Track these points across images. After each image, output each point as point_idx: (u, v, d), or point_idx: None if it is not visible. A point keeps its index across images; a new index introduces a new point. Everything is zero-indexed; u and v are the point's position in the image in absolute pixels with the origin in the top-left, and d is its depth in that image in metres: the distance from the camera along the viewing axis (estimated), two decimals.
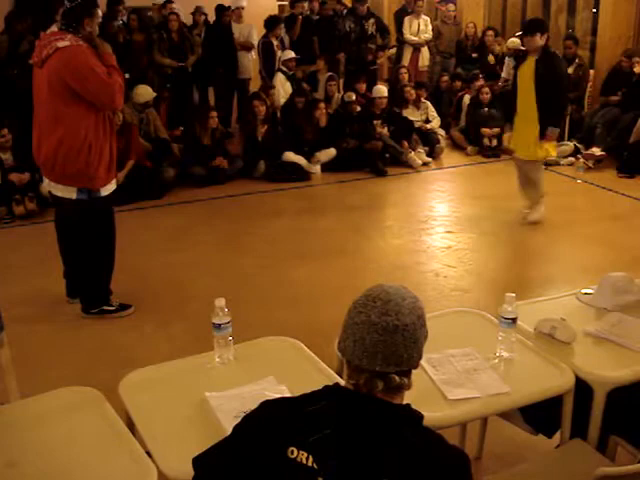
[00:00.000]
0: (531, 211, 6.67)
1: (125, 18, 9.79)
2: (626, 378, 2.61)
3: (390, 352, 1.64)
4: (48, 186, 4.59)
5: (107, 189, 4.53)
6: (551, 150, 6.46)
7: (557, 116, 6.45)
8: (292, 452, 1.59)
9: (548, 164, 8.63)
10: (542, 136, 6.24)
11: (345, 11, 10.78)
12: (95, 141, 4.34)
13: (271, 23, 9.87)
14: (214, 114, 8.17)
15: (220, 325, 2.57)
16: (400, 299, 1.67)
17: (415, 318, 1.67)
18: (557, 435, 2.78)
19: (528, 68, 6.25)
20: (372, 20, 10.39)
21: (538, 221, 6.60)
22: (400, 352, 1.65)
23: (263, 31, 10.00)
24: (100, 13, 4.60)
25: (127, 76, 8.74)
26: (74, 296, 4.90)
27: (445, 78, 10.60)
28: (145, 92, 8.13)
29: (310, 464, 1.57)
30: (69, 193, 4.42)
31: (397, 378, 1.65)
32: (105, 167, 4.44)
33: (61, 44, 4.22)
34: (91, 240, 4.60)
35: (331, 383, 1.75)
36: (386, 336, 1.63)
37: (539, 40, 6.12)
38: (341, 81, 10.18)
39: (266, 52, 9.93)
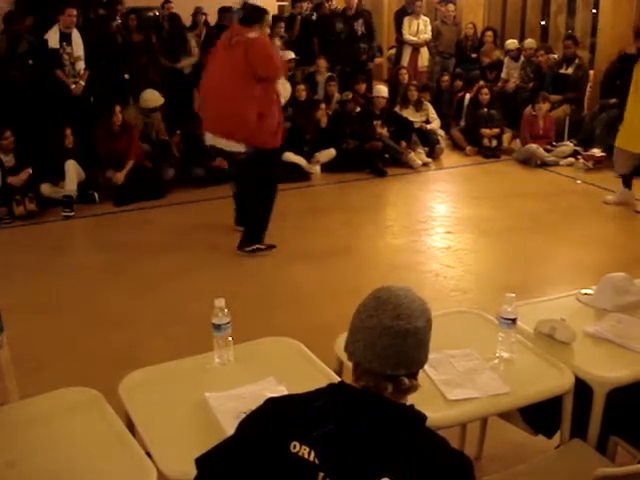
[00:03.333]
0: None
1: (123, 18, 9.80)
2: (626, 378, 2.61)
3: (401, 356, 1.64)
4: (226, 146, 5.64)
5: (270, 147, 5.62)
6: None
7: None
8: (294, 447, 1.59)
9: (547, 164, 8.65)
10: None
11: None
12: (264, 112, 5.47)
13: (272, 22, 9.86)
14: None
15: (220, 325, 2.57)
16: (410, 302, 1.67)
17: (425, 321, 1.68)
18: (557, 435, 2.78)
19: None
20: (361, 20, 10.34)
21: None
22: (411, 355, 1.65)
23: None
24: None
25: (127, 76, 8.79)
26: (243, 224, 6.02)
27: (445, 78, 10.60)
28: (153, 97, 8.12)
29: (312, 459, 1.57)
30: (242, 148, 5.54)
31: (407, 381, 1.65)
32: (270, 132, 5.55)
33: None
34: (259, 185, 5.72)
35: (331, 383, 1.75)
36: (399, 340, 1.63)
37: None
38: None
39: None
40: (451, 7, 11.77)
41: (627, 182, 7.09)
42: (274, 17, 10.29)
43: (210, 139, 5.78)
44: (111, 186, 7.36)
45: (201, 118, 5.89)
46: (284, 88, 9.46)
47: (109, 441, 2.20)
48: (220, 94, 5.45)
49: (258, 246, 5.85)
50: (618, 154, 7.07)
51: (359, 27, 10.24)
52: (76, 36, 7.76)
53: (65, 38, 7.67)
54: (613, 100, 8.68)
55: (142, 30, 9.65)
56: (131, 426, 2.29)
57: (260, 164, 5.60)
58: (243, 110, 5.38)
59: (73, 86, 7.74)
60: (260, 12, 5.66)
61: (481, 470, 3.00)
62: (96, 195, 7.27)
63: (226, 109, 5.42)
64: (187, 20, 10.39)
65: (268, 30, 5.72)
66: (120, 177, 7.35)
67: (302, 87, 8.81)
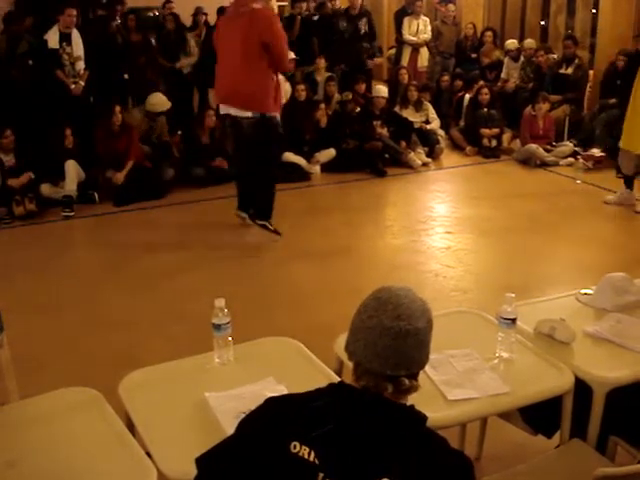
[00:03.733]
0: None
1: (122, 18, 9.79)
2: (625, 378, 2.61)
3: (402, 356, 1.64)
4: (234, 112, 5.85)
5: (273, 113, 5.94)
6: None
7: None
8: (294, 447, 1.59)
9: (547, 164, 8.66)
10: None
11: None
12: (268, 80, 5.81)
13: None
14: (211, 113, 8.16)
15: (220, 325, 2.57)
16: (411, 302, 1.67)
17: (425, 322, 1.68)
18: (557, 435, 2.78)
19: None
20: (365, 19, 10.34)
21: None
22: (411, 355, 1.65)
23: None
24: None
25: (126, 77, 8.79)
26: (244, 210, 6.23)
27: (445, 78, 10.61)
28: (160, 102, 8.14)
29: (312, 459, 1.57)
30: (248, 114, 5.80)
31: (407, 381, 1.65)
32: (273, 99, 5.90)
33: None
34: (261, 159, 5.99)
35: (331, 383, 1.75)
36: (399, 340, 1.63)
37: None
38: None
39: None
40: (451, 7, 11.78)
41: (629, 183, 7.10)
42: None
43: (223, 109, 6.06)
44: (111, 186, 7.36)
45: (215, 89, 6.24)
46: (283, 89, 9.50)
47: (109, 441, 2.20)
48: (229, 64, 5.77)
49: (266, 224, 6.13)
50: (622, 155, 7.08)
51: (362, 26, 10.24)
52: (76, 36, 7.76)
53: (65, 38, 7.67)
54: (613, 100, 8.69)
55: (141, 30, 9.65)
56: (131, 426, 2.29)
57: (264, 129, 5.87)
58: (251, 78, 5.68)
59: (73, 86, 7.74)
60: None
61: (481, 470, 3.00)
62: (96, 195, 7.27)
63: (236, 78, 5.72)
64: (187, 20, 10.39)
65: (274, 4, 6.05)
66: (120, 177, 7.35)
67: (302, 87, 8.81)
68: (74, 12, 7.72)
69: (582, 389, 2.59)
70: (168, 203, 7.36)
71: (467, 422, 2.88)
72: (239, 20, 5.69)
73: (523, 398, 2.53)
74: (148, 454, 2.13)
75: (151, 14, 11.36)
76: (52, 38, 7.65)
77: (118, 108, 7.49)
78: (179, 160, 8.08)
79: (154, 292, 5.24)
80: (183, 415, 2.33)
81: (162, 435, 2.22)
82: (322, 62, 9.80)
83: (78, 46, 7.78)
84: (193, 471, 1.74)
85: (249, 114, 5.83)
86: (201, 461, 1.73)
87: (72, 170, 7.14)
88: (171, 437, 2.22)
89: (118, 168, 7.39)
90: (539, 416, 2.79)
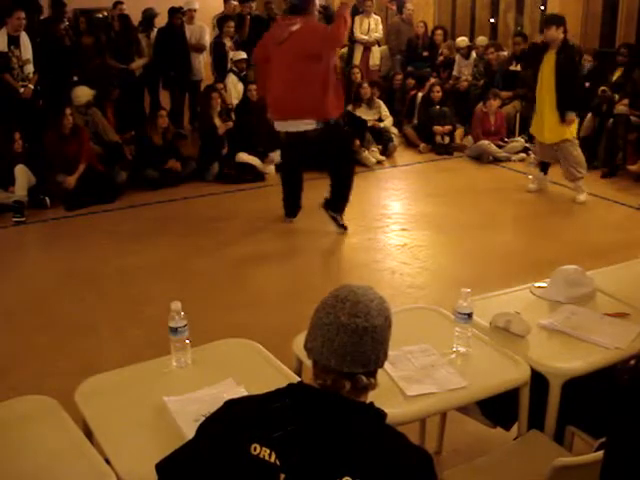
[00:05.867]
0: (577, 192, 7.23)
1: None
2: (580, 369, 2.66)
3: (358, 353, 1.64)
4: (296, 127, 6.04)
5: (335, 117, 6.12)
6: (572, 131, 7.18)
7: (574, 101, 7.06)
8: (255, 449, 1.58)
9: (499, 160, 8.77)
10: (562, 120, 6.96)
11: None
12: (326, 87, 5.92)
13: (220, 21, 9.84)
14: (163, 113, 8.11)
15: (176, 329, 2.55)
16: (369, 300, 1.68)
17: (383, 320, 1.68)
18: (515, 427, 2.81)
19: (549, 59, 6.89)
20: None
21: (585, 200, 7.19)
22: (368, 353, 1.65)
23: (215, 31, 9.95)
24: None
25: (75, 79, 8.67)
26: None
27: (398, 77, 10.67)
28: (83, 93, 8.05)
29: (272, 460, 1.57)
30: (312, 125, 5.99)
31: (364, 379, 1.66)
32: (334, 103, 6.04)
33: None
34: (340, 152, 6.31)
35: (290, 383, 1.75)
36: (355, 338, 1.64)
37: (555, 33, 6.80)
38: None
39: (218, 53, 9.88)
40: (410, 6, 11.82)
41: (543, 167, 7.65)
42: (224, 16, 10.25)
43: (280, 125, 6.25)
44: (62, 190, 7.24)
45: (269, 108, 6.40)
46: (235, 89, 9.47)
47: (67, 449, 2.16)
48: (286, 84, 5.95)
49: (338, 217, 6.43)
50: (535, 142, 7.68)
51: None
52: (24, 39, 7.63)
53: (13, 41, 7.54)
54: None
55: (92, 32, 9.53)
56: (89, 433, 2.26)
57: (334, 133, 6.11)
58: (310, 90, 5.87)
59: (22, 90, 7.60)
60: (308, 1, 5.97)
61: (442, 464, 3.03)
62: (47, 200, 7.15)
63: (295, 94, 5.92)
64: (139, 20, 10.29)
65: (316, 12, 6.25)
66: (71, 181, 7.24)
67: (254, 87, 8.79)
68: (23, 15, 7.59)
69: (538, 381, 2.62)
70: (121, 206, 7.27)
71: (427, 417, 2.90)
72: (290, 41, 5.86)
73: (481, 391, 2.56)
74: (107, 461, 2.10)
75: (100, 15, 11.24)
76: (0, 41, 7.51)
77: (69, 110, 7.37)
78: (131, 162, 8.00)
79: (109, 297, 5.18)
80: (142, 420, 2.31)
81: (121, 441, 2.20)
82: None
83: (27, 49, 7.65)
84: (153, 477, 1.72)
85: (313, 125, 5.98)
86: (161, 467, 1.72)
87: (22, 175, 7.01)
88: (130, 443, 2.19)
89: (69, 172, 7.27)
90: (497, 409, 2.82)
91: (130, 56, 9.36)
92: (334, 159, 6.29)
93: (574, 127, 7.19)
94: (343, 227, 6.43)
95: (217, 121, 8.30)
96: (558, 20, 6.97)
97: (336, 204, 6.41)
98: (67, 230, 6.70)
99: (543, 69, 7.03)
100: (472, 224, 6.61)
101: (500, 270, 5.62)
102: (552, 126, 7.05)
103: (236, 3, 10.52)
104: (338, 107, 6.15)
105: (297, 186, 6.57)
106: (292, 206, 6.63)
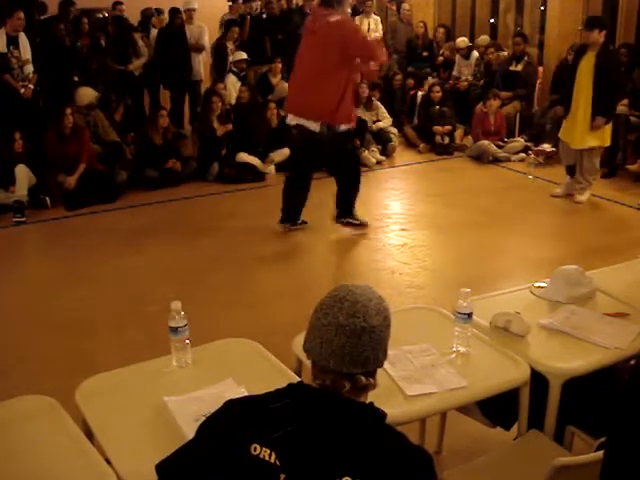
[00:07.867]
0: (578, 192, 7.19)
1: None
2: (580, 369, 2.66)
3: (357, 354, 1.64)
4: (306, 123, 5.90)
5: (341, 125, 5.95)
6: (607, 138, 7.01)
7: (609, 107, 6.88)
8: (255, 449, 1.58)
9: (499, 160, 8.77)
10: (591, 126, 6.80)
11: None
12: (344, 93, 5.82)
13: (227, 24, 9.87)
14: (164, 113, 8.11)
15: (177, 328, 2.55)
16: (367, 300, 1.67)
17: (382, 319, 1.68)
18: (515, 427, 2.81)
19: (588, 62, 6.70)
20: None
21: (585, 200, 7.16)
22: (367, 353, 1.65)
23: (214, 32, 9.95)
24: None
25: (76, 79, 8.67)
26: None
27: (398, 77, 10.67)
28: (86, 93, 8.04)
29: (272, 461, 1.57)
30: (315, 127, 5.87)
31: (364, 379, 1.66)
32: (348, 113, 5.95)
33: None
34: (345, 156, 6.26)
35: (290, 383, 1.75)
36: (354, 338, 1.63)
37: (597, 35, 6.59)
38: None
39: (219, 54, 9.89)
40: (406, 6, 11.83)
41: (570, 171, 7.33)
42: (229, 21, 10.27)
43: (292, 118, 6.12)
44: (63, 191, 7.24)
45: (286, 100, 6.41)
46: (235, 89, 9.47)
47: (67, 449, 2.16)
48: (304, 77, 5.86)
49: (351, 220, 6.41)
50: (561, 146, 7.38)
51: None
52: (23, 39, 7.63)
53: (12, 42, 7.53)
54: (554, 96, 8.83)
55: (90, 32, 9.53)
56: (89, 433, 2.26)
57: (336, 142, 5.99)
58: (326, 91, 5.75)
59: (22, 90, 7.60)
60: None
61: (442, 464, 3.03)
62: (48, 200, 7.15)
63: (309, 90, 5.82)
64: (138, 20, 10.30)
65: (349, 10, 6.18)
66: (72, 181, 7.24)
67: (244, 89, 8.91)
68: (22, 15, 7.59)
69: (538, 381, 2.63)
70: (121, 206, 7.27)
71: (426, 417, 2.90)
72: (318, 34, 5.75)
73: (481, 391, 2.56)
74: (107, 461, 2.10)
75: (100, 15, 11.23)
76: None
77: (69, 110, 7.37)
78: (132, 162, 8.00)
79: (109, 297, 5.17)
80: (142, 420, 2.31)
81: (121, 441, 2.20)
82: (278, 67, 9.79)
83: (26, 49, 7.64)
84: (153, 477, 1.72)
85: (318, 127, 5.89)
86: (161, 467, 1.72)
87: (22, 175, 7.01)
88: (130, 443, 2.19)
89: (70, 172, 7.28)
90: (497, 409, 2.82)
91: (127, 57, 9.34)
92: (341, 166, 6.26)
93: (608, 134, 6.99)
94: (363, 224, 6.43)
95: (216, 124, 8.31)
96: (600, 23, 6.80)
97: (346, 207, 6.39)
98: (67, 230, 6.70)
99: (581, 72, 6.81)
100: (472, 224, 6.61)
101: (500, 270, 5.63)
102: (585, 131, 6.85)
103: (241, 4, 10.55)
104: (348, 118, 6.01)
105: (304, 191, 6.32)
106: (293, 211, 6.38)
